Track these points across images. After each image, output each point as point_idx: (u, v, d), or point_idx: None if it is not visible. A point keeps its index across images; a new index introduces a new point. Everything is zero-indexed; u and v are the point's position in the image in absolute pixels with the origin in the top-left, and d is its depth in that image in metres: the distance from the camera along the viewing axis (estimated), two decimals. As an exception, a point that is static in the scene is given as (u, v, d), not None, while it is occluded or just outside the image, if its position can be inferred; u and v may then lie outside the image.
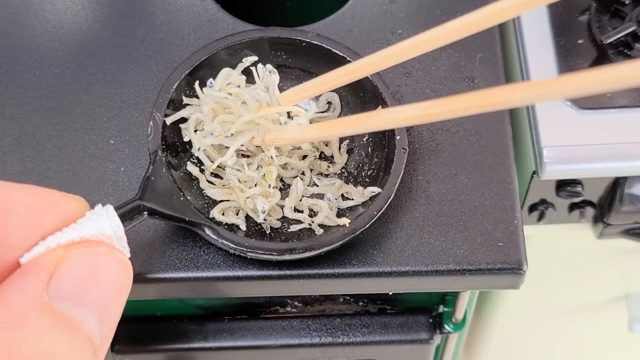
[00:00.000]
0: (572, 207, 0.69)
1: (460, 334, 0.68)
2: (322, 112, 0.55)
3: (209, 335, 0.65)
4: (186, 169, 0.51)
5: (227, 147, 0.51)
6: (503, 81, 0.59)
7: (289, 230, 0.51)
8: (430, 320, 0.65)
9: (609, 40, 0.64)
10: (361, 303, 0.66)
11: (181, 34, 0.61)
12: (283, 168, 0.53)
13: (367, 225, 0.49)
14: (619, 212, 0.67)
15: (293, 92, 0.51)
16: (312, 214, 0.51)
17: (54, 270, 0.25)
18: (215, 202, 0.51)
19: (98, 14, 0.63)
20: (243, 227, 0.50)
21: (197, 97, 0.53)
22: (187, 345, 0.65)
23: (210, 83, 0.53)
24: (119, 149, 0.56)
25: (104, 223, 0.29)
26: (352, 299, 0.65)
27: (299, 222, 0.51)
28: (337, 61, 0.54)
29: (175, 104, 0.52)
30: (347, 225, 0.49)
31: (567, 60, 0.64)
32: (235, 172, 0.51)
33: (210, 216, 0.50)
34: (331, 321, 0.65)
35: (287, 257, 0.49)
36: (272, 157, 0.51)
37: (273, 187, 0.51)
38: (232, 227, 0.50)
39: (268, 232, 0.51)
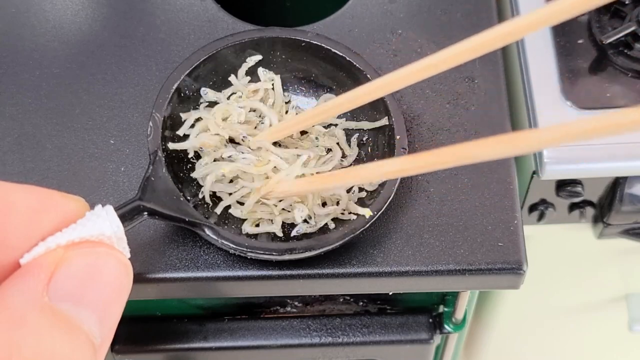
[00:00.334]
0: (572, 207, 0.69)
1: (460, 334, 0.68)
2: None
3: (209, 335, 0.65)
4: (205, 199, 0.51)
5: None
6: (503, 81, 0.59)
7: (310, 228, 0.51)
8: (430, 320, 0.65)
9: (609, 40, 0.64)
10: (361, 303, 0.66)
11: (181, 34, 0.61)
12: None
13: (367, 225, 0.49)
14: (619, 212, 0.67)
15: (309, 115, 0.51)
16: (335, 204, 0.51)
17: (54, 270, 0.25)
18: (215, 202, 0.51)
19: (98, 14, 0.63)
20: (280, 233, 0.50)
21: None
22: (187, 345, 0.65)
23: (204, 91, 0.53)
24: (119, 149, 0.56)
25: (104, 223, 0.29)
26: (352, 299, 0.65)
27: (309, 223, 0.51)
28: (336, 61, 0.54)
29: (176, 104, 0.52)
30: (367, 216, 0.49)
31: (567, 60, 0.64)
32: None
33: (244, 232, 0.50)
34: (331, 321, 0.65)
35: (287, 257, 0.49)
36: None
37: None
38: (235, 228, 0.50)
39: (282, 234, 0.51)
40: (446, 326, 0.65)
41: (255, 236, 0.50)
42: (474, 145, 0.35)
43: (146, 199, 0.45)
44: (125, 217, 0.43)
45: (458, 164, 0.38)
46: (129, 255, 0.29)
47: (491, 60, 0.60)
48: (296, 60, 0.56)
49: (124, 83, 0.59)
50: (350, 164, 0.54)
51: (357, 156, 0.54)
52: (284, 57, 0.56)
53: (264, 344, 0.65)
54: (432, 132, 0.57)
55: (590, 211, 0.70)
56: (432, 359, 0.68)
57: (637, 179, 0.65)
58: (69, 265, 0.26)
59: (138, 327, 0.65)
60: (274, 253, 0.48)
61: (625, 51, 0.65)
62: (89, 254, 0.27)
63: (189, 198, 0.49)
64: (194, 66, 0.53)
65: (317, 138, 0.53)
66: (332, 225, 0.50)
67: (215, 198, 0.52)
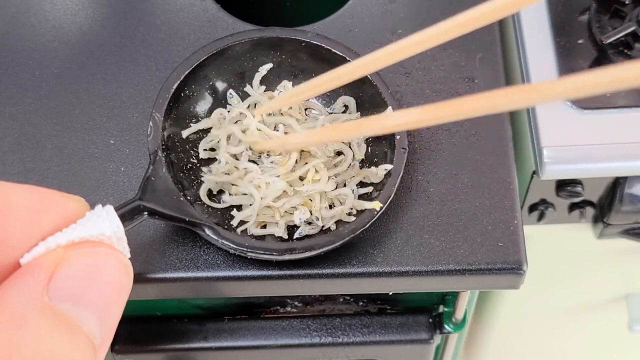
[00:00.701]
0: (572, 207, 0.69)
1: (460, 334, 0.68)
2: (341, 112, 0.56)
3: (209, 335, 0.65)
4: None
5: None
6: (503, 81, 0.59)
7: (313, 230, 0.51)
8: (430, 320, 0.65)
9: (609, 40, 0.64)
10: (361, 303, 0.66)
11: (181, 34, 0.61)
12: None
13: (367, 225, 0.49)
14: (619, 212, 0.67)
15: (293, 93, 0.51)
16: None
17: (54, 270, 0.25)
18: (216, 201, 0.51)
19: (98, 14, 0.63)
20: (285, 236, 0.50)
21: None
22: (187, 345, 0.65)
23: (230, 94, 0.54)
24: (119, 149, 0.56)
25: (104, 223, 0.29)
26: (352, 299, 0.65)
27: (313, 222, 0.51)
28: (336, 61, 0.54)
29: (177, 104, 0.52)
30: (378, 209, 0.49)
31: (567, 60, 0.64)
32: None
33: (249, 233, 0.50)
34: (331, 321, 0.65)
35: (287, 257, 0.49)
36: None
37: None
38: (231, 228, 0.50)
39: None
40: (446, 326, 0.65)
41: (262, 237, 0.50)
42: (489, 96, 0.35)
43: (146, 199, 0.45)
44: (126, 217, 0.43)
45: (473, 115, 0.37)
46: (129, 255, 0.29)
47: (491, 60, 0.60)
48: (296, 60, 0.56)
49: (124, 83, 0.59)
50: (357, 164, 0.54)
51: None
52: (283, 57, 0.56)
53: (264, 344, 0.65)
54: (432, 132, 0.57)
55: (590, 211, 0.70)
56: (432, 359, 0.68)
57: (637, 179, 0.65)
58: (69, 265, 0.26)
59: (138, 327, 0.65)
60: (274, 253, 0.48)
61: (625, 51, 0.65)
62: (89, 254, 0.27)
63: (189, 198, 0.49)
64: (194, 66, 0.53)
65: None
66: (332, 227, 0.50)
67: (217, 199, 0.52)
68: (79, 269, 0.26)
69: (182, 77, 0.52)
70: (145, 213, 0.44)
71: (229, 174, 0.52)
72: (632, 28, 0.64)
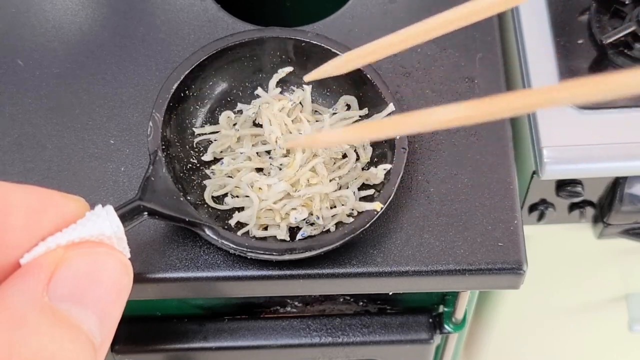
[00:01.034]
0: (572, 207, 0.69)
1: (460, 334, 0.68)
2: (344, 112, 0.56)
3: (209, 335, 0.65)
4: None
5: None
6: (503, 81, 0.59)
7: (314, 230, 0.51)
8: (430, 320, 0.65)
9: (609, 40, 0.64)
10: (361, 303, 0.66)
11: (181, 34, 0.61)
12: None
13: (367, 225, 0.49)
14: (619, 212, 0.67)
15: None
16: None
17: (54, 270, 0.25)
18: (217, 202, 0.51)
19: (98, 14, 0.63)
20: (287, 238, 0.50)
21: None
22: (187, 345, 0.65)
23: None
24: (119, 149, 0.56)
25: (104, 223, 0.29)
26: (352, 299, 0.65)
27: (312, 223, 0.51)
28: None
29: (177, 104, 0.52)
30: (378, 210, 0.49)
31: (567, 60, 0.64)
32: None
33: (251, 235, 0.50)
34: (331, 321, 0.65)
35: (287, 257, 0.49)
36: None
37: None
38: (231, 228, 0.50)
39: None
40: (446, 326, 0.65)
41: (263, 239, 0.50)
42: (529, 94, 0.35)
43: (146, 199, 0.45)
44: (126, 217, 0.43)
45: (515, 114, 0.37)
46: (129, 255, 0.29)
47: (491, 60, 0.60)
48: (296, 60, 0.56)
49: (124, 83, 0.59)
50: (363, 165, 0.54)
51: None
52: (283, 57, 0.56)
53: (264, 344, 0.65)
54: (432, 132, 0.57)
55: (590, 211, 0.70)
56: (432, 359, 0.68)
57: (637, 179, 0.65)
58: (69, 265, 0.26)
59: (138, 327, 0.65)
60: (274, 253, 0.48)
61: (625, 51, 0.65)
62: (89, 254, 0.27)
63: (189, 198, 0.49)
64: (194, 66, 0.53)
65: None
66: (332, 228, 0.50)
67: (218, 200, 0.52)
68: (79, 269, 0.26)
69: (182, 77, 0.52)
70: (145, 213, 0.44)
71: (232, 176, 0.52)
72: (632, 28, 0.64)
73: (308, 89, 0.55)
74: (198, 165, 0.53)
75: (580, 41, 0.65)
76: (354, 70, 0.54)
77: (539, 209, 0.69)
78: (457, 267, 0.52)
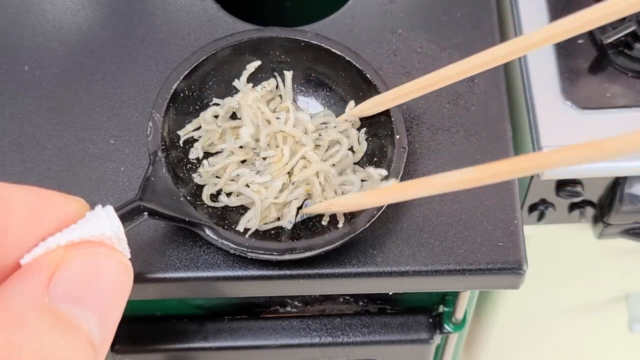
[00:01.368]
0: (572, 207, 0.69)
1: (460, 334, 0.68)
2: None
3: (209, 335, 0.65)
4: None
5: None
6: (503, 81, 0.59)
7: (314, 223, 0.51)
8: (430, 320, 0.65)
9: (609, 40, 0.64)
10: (361, 303, 0.66)
11: (181, 34, 0.61)
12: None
13: (367, 225, 0.49)
14: (619, 212, 0.67)
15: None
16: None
17: (54, 271, 0.25)
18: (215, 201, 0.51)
19: (98, 14, 0.63)
20: (289, 226, 0.51)
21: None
22: (187, 345, 0.65)
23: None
24: (119, 149, 0.56)
25: (104, 224, 0.29)
26: (352, 299, 0.65)
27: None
28: (336, 61, 0.54)
29: (177, 105, 0.52)
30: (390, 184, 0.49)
31: (567, 60, 0.64)
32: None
33: (256, 229, 0.50)
34: (331, 321, 0.65)
35: (287, 257, 0.49)
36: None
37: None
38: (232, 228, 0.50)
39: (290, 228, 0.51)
40: (446, 326, 0.65)
41: (269, 233, 0.50)
42: (546, 155, 0.36)
43: (146, 199, 0.45)
44: (126, 218, 0.43)
45: (531, 173, 0.38)
46: (129, 256, 0.29)
47: (491, 60, 0.60)
48: (295, 60, 0.56)
49: (124, 83, 0.59)
50: (359, 160, 0.54)
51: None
52: (283, 57, 0.56)
53: (264, 344, 0.65)
54: (432, 132, 0.57)
55: (590, 211, 0.70)
56: (432, 359, 0.68)
57: (637, 179, 0.65)
58: (69, 265, 0.26)
59: (138, 327, 0.65)
60: (274, 253, 0.48)
61: (625, 51, 0.65)
62: (89, 255, 0.27)
63: (189, 198, 0.49)
64: (193, 66, 0.53)
65: (320, 135, 0.53)
66: (341, 222, 0.50)
67: (215, 198, 0.52)
68: (79, 269, 0.26)
69: (181, 77, 0.52)
70: (145, 213, 0.44)
71: (219, 176, 0.52)
72: (632, 28, 0.64)
73: (289, 74, 0.55)
74: (198, 165, 0.53)
75: (580, 41, 0.65)
76: (353, 70, 0.54)
77: (539, 209, 0.69)
78: (457, 267, 0.52)
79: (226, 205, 0.51)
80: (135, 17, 0.62)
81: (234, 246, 0.48)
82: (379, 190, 0.47)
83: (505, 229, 0.53)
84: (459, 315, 0.64)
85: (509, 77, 0.64)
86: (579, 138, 0.61)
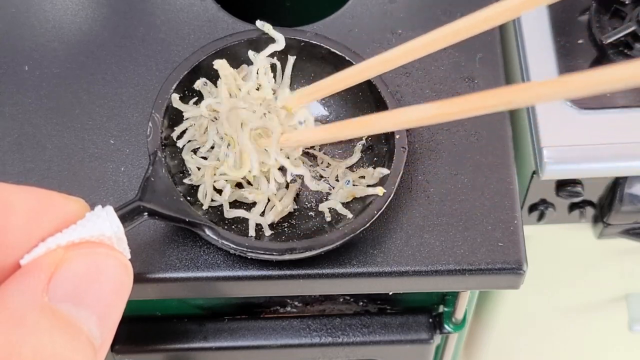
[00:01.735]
0: (572, 207, 0.69)
1: (460, 334, 0.68)
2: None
3: (209, 335, 0.65)
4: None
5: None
6: (503, 81, 0.59)
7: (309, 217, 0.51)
8: (430, 320, 0.65)
9: (609, 40, 0.64)
10: (361, 303, 0.66)
11: (181, 34, 0.61)
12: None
13: (367, 225, 0.49)
14: (619, 212, 0.67)
15: (298, 95, 0.51)
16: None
17: (54, 271, 0.25)
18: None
19: (98, 14, 0.63)
20: (281, 179, 0.51)
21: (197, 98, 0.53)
22: (187, 345, 0.65)
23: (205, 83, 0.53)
24: (119, 149, 0.56)
25: (104, 224, 0.29)
26: (352, 299, 0.65)
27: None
28: (336, 61, 0.54)
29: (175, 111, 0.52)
30: (381, 194, 0.49)
31: (567, 60, 0.64)
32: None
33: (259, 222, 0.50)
34: (331, 321, 0.65)
35: (287, 257, 0.49)
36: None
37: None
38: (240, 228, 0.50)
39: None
40: (446, 326, 0.65)
41: (263, 239, 0.50)
42: (492, 94, 0.35)
43: (146, 199, 0.45)
44: (126, 218, 0.43)
45: (478, 113, 0.38)
46: (129, 256, 0.29)
47: (491, 60, 0.60)
48: (295, 59, 0.56)
49: (124, 83, 0.59)
50: (350, 167, 0.54)
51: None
52: (282, 57, 0.56)
53: (264, 344, 0.65)
54: (432, 132, 0.57)
55: (590, 211, 0.70)
56: (432, 359, 0.68)
57: (637, 179, 0.65)
58: (69, 265, 0.26)
59: (138, 327, 0.65)
60: (274, 253, 0.48)
61: (625, 51, 0.65)
62: (89, 255, 0.27)
63: (188, 198, 0.49)
64: (193, 66, 0.53)
65: None
66: (347, 212, 0.50)
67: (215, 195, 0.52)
68: (79, 269, 0.26)
69: (181, 77, 0.52)
70: (145, 214, 0.44)
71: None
72: (632, 28, 0.64)
73: (292, 59, 0.55)
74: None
75: (580, 41, 0.65)
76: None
77: (539, 209, 0.69)
78: (457, 267, 0.52)
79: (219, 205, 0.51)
80: (135, 17, 0.62)
81: (234, 246, 0.48)
82: (337, 124, 0.48)
83: (505, 229, 0.53)
84: (459, 315, 0.64)
85: (509, 77, 0.64)
86: (579, 138, 0.62)
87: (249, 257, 0.50)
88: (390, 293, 0.59)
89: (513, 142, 0.57)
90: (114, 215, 0.30)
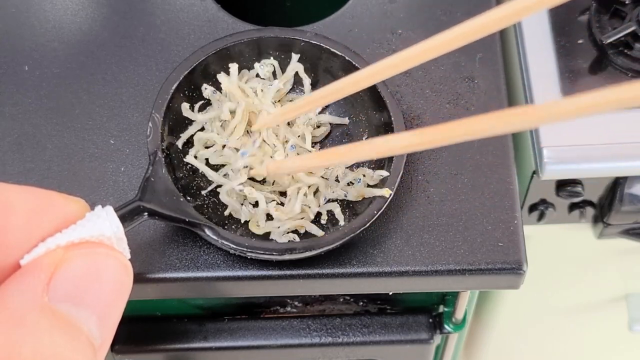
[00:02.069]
0: (572, 207, 0.69)
1: (460, 334, 0.68)
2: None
3: (209, 335, 0.65)
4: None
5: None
6: (503, 81, 0.59)
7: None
8: (430, 320, 0.65)
9: (609, 40, 0.64)
10: (361, 303, 0.66)
11: (181, 34, 0.61)
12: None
13: (367, 225, 0.49)
14: (619, 212, 0.67)
15: (297, 105, 0.51)
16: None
17: (53, 271, 0.25)
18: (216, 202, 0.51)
19: (98, 14, 0.63)
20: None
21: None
22: (187, 345, 0.65)
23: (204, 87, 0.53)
24: (119, 149, 0.56)
25: (104, 224, 0.29)
26: (352, 299, 0.65)
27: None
28: (335, 60, 0.54)
29: (176, 107, 0.52)
30: (388, 195, 0.49)
31: (567, 60, 0.64)
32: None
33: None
34: (331, 321, 0.65)
35: (287, 257, 0.49)
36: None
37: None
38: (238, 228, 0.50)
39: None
40: (446, 326, 0.65)
41: (264, 239, 0.50)
42: (478, 120, 0.35)
43: (146, 199, 0.45)
44: (125, 218, 0.43)
45: (465, 139, 0.37)
46: (129, 256, 0.29)
47: (491, 60, 0.60)
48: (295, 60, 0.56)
49: (124, 83, 0.59)
50: (350, 167, 0.54)
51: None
52: (283, 57, 0.56)
53: (264, 344, 0.65)
54: (432, 132, 0.57)
55: (590, 211, 0.70)
56: (432, 359, 0.68)
57: (637, 179, 0.65)
58: (69, 266, 0.26)
59: (138, 327, 0.65)
60: (274, 253, 0.48)
61: (625, 51, 0.65)
62: (88, 255, 0.27)
63: (189, 199, 0.49)
64: (193, 66, 0.53)
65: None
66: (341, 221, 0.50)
67: (216, 197, 0.52)
68: (78, 269, 0.26)
69: (181, 78, 0.52)
70: (145, 214, 0.44)
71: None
72: (632, 28, 0.64)
73: (295, 57, 0.55)
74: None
75: (580, 41, 0.65)
76: (353, 71, 0.54)
77: (539, 209, 0.69)
78: (457, 267, 0.52)
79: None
80: (135, 17, 0.62)
81: (234, 246, 0.48)
82: (325, 152, 0.48)
83: (505, 229, 0.53)
84: (459, 315, 0.64)
85: (509, 77, 0.64)
86: (579, 138, 0.62)
87: (249, 257, 0.50)
88: (390, 293, 0.59)
89: (513, 142, 0.57)
90: (114, 215, 0.30)
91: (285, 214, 0.50)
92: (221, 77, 0.53)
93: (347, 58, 0.54)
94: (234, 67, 0.53)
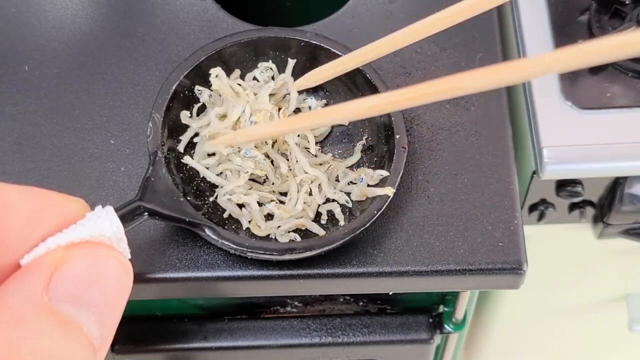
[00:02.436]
0: (572, 207, 0.69)
1: (460, 334, 0.68)
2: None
3: (209, 335, 0.65)
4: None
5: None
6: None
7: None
8: (430, 320, 0.65)
9: (609, 40, 0.64)
10: (361, 303, 0.66)
11: (181, 34, 0.61)
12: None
13: (367, 225, 0.49)
14: (619, 212, 0.67)
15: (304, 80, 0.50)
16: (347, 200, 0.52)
17: (54, 271, 0.25)
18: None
19: (98, 14, 0.63)
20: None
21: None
22: (187, 345, 0.65)
23: (199, 90, 0.54)
24: (119, 149, 0.56)
25: (104, 224, 0.29)
26: (352, 299, 0.65)
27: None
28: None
29: (176, 107, 0.52)
30: (390, 194, 0.49)
31: (567, 60, 0.64)
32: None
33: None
34: (331, 321, 0.65)
35: (287, 257, 0.49)
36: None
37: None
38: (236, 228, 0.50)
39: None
40: (446, 326, 0.65)
41: (263, 239, 0.50)
42: (453, 78, 0.36)
43: (146, 199, 0.45)
44: (126, 218, 0.43)
45: (438, 99, 0.38)
46: (129, 256, 0.29)
47: (491, 60, 0.60)
48: (295, 60, 0.56)
49: (124, 83, 0.59)
50: (350, 167, 0.54)
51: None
52: (283, 57, 0.56)
53: (264, 344, 0.65)
54: (432, 132, 0.57)
55: (590, 211, 0.70)
56: (432, 359, 0.68)
57: (637, 179, 0.65)
58: (69, 265, 0.26)
59: (138, 327, 0.65)
60: (274, 253, 0.48)
61: (626, 51, 0.64)
62: (89, 255, 0.27)
63: (189, 198, 0.49)
64: (193, 66, 0.53)
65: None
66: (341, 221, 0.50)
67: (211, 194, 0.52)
68: (79, 269, 0.26)
69: (181, 78, 0.52)
70: (146, 214, 0.44)
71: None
72: (632, 28, 0.64)
73: (291, 62, 0.55)
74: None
75: (580, 41, 0.65)
76: (353, 70, 0.54)
77: (539, 209, 0.69)
78: (457, 267, 0.52)
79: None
80: (135, 17, 0.62)
81: (234, 246, 0.48)
82: (287, 119, 0.49)
83: (505, 229, 0.53)
84: (459, 315, 0.64)
85: (509, 77, 0.63)
86: (579, 138, 0.62)
87: (249, 257, 0.50)
88: (390, 293, 0.59)
89: (513, 142, 0.57)
90: (114, 215, 0.30)
91: (286, 212, 0.50)
92: (212, 78, 0.53)
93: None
94: (216, 70, 0.53)
